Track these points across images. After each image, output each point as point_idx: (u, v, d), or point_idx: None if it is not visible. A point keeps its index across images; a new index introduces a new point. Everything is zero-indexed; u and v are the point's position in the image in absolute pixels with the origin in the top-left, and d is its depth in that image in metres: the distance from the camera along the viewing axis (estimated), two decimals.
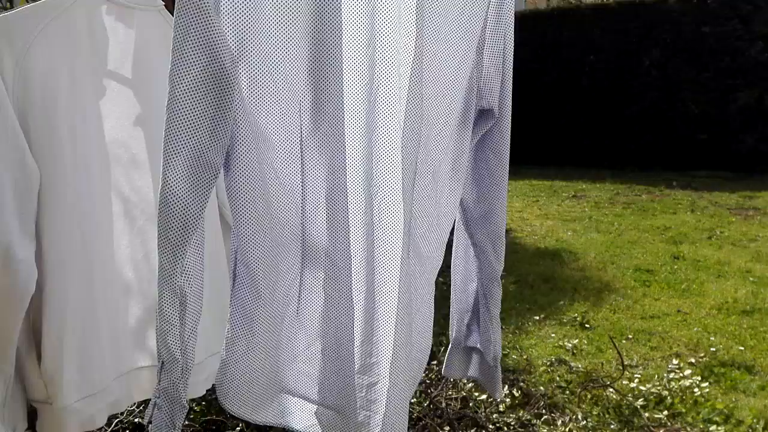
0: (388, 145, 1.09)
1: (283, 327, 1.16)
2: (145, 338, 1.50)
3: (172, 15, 1.49)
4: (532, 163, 9.45)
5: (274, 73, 0.99)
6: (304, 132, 1.05)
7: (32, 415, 1.33)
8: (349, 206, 1.09)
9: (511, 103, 1.24)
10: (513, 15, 1.20)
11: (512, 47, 1.22)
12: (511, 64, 1.23)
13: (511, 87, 1.23)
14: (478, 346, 1.41)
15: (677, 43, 8.64)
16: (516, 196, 7.44)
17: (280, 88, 1.00)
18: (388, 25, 1.04)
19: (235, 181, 1.02)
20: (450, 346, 1.44)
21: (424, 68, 1.06)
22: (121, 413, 2.30)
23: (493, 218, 1.30)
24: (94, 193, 1.35)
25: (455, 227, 1.34)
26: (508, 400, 2.52)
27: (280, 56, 0.98)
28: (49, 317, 1.26)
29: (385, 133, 1.08)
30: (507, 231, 5.26)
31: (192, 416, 2.36)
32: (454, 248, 1.38)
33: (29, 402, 1.31)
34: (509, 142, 1.25)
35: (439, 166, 1.18)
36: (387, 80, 1.06)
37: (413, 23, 1.03)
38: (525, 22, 9.96)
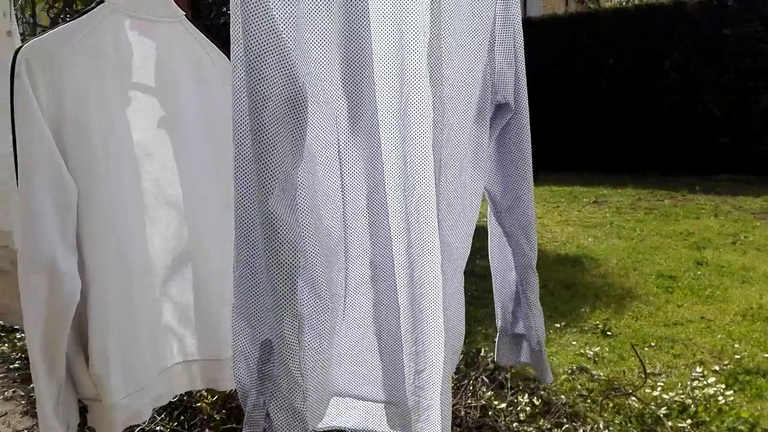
0: (421, 145, 1.12)
1: (334, 332, 1.17)
2: (180, 336, 1.58)
3: (191, 22, 1.54)
4: (552, 169, 9.39)
5: (315, 85, 1.00)
6: (341, 140, 1.06)
7: (83, 411, 1.42)
8: (389, 209, 1.11)
9: (527, 97, 1.27)
10: (520, 12, 1.24)
11: (522, 43, 1.25)
12: (523, 59, 1.26)
13: (525, 81, 1.27)
14: (525, 332, 1.44)
15: (697, 45, 8.55)
16: (536, 202, 7.32)
17: (320, 99, 1.01)
18: (415, 27, 1.07)
19: (299, 197, 1.00)
20: (498, 334, 1.48)
21: (443, 66, 1.09)
22: (142, 422, 2.33)
23: (521, 208, 1.34)
24: (126, 201, 1.42)
25: (488, 219, 1.40)
26: (528, 408, 2.50)
27: (318, 69, 0.99)
28: (93, 323, 1.34)
29: (417, 134, 1.12)
30: None
31: (213, 425, 2.37)
32: (489, 240, 1.45)
33: (80, 399, 1.40)
34: (530, 134, 1.29)
35: (462, 161, 1.21)
36: (416, 82, 1.09)
37: (428, 22, 1.06)
38: (543, 27, 9.93)
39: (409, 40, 1.08)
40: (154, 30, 1.45)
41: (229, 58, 1.55)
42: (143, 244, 1.48)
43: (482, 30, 1.18)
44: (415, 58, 1.09)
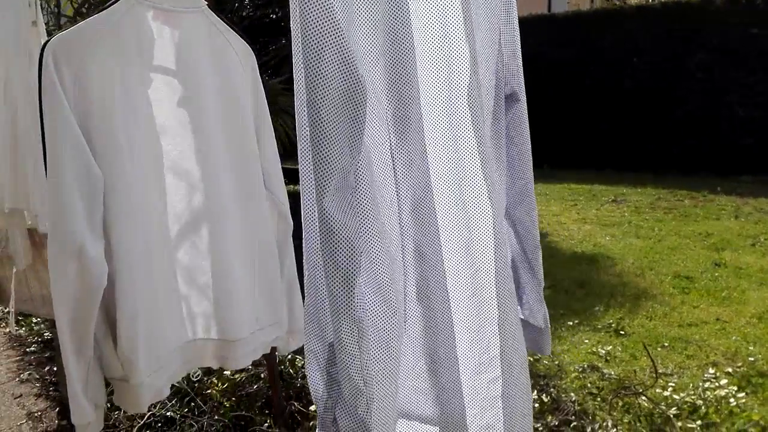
0: (470, 147, 1.12)
1: (401, 340, 1.11)
2: (195, 315, 1.63)
3: (213, 12, 1.58)
4: (572, 167, 9.33)
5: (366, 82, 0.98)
6: (392, 144, 1.05)
7: (108, 391, 1.49)
8: (439, 208, 1.09)
9: (524, 87, 1.31)
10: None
11: (518, 33, 1.28)
12: (520, 49, 1.29)
13: (522, 71, 1.30)
14: (526, 316, 1.45)
15: (724, 44, 8.41)
16: (554, 199, 7.36)
17: (373, 103, 0.99)
18: (452, 22, 1.08)
19: (359, 197, 0.95)
20: None
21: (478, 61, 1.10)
22: (154, 406, 2.37)
23: (529, 193, 1.38)
24: (149, 188, 1.47)
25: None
26: (537, 405, 2.50)
27: (368, 72, 0.97)
28: (121, 306, 1.39)
29: (465, 135, 1.12)
30: (543, 235, 5.25)
31: (222, 411, 2.41)
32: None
33: (107, 379, 1.46)
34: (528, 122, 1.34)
35: (494, 152, 1.24)
36: (461, 83, 1.10)
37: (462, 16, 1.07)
38: (567, 24, 9.84)
39: (453, 35, 1.08)
40: (177, 19, 1.49)
41: (251, 46, 1.58)
42: (165, 227, 1.53)
43: (495, 19, 1.20)
44: (458, 58, 1.09)
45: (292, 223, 1.81)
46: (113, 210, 1.36)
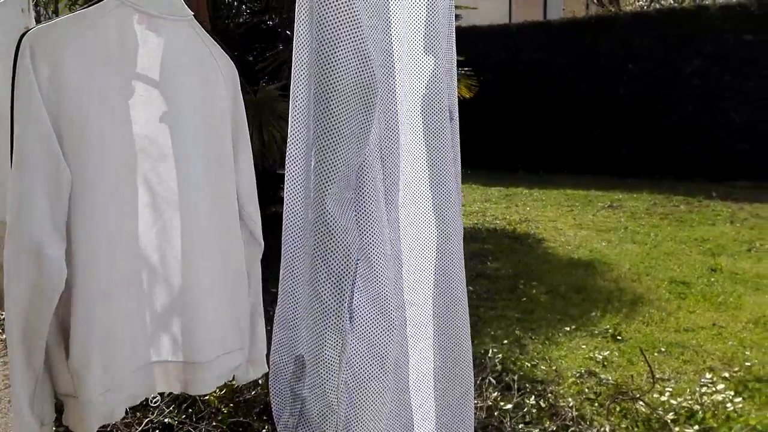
0: (443, 151, 1.16)
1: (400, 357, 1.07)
2: (159, 334, 1.54)
3: (200, 25, 1.56)
4: (568, 173, 9.35)
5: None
6: (383, 150, 1.03)
7: (58, 408, 1.38)
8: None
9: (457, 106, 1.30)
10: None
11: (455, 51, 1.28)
12: (455, 68, 1.29)
13: (456, 90, 1.29)
14: None
15: (719, 51, 8.46)
16: (550, 205, 7.37)
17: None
18: (418, 39, 1.11)
19: (363, 198, 0.91)
20: None
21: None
22: (152, 413, 2.36)
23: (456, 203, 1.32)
24: (120, 193, 1.40)
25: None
26: (534, 411, 2.50)
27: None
28: (77, 314, 1.31)
29: (439, 139, 1.15)
30: (539, 241, 5.24)
31: (220, 417, 2.40)
32: None
33: (56, 395, 1.36)
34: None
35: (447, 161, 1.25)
36: (419, 92, 1.13)
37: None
38: (563, 31, 9.88)
39: (415, 49, 1.10)
40: (161, 26, 1.46)
41: (231, 58, 1.56)
42: (133, 238, 1.45)
43: (450, 35, 1.22)
44: (419, 70, 1.11)
45: (262, 243, 1.73)
46: (78, 213, 1.29)
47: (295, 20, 0.91)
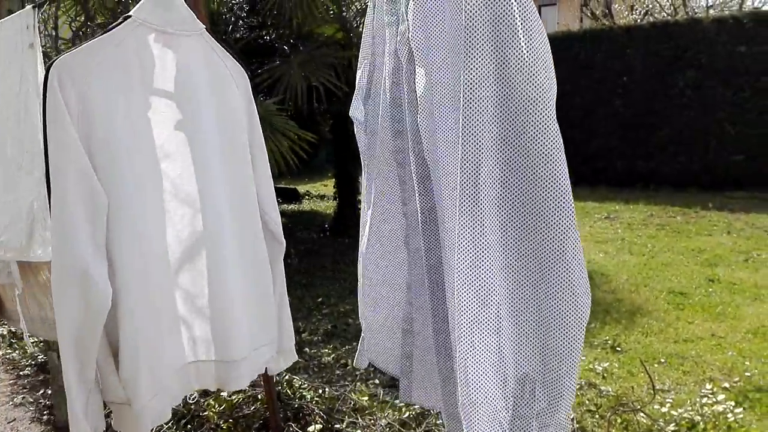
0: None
1: None
2: (194, 336, 1.62)
3: (212, 37, 1.60)
4: None
5: None
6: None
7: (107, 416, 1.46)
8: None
9: None
10: None
11: None
12: None
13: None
14: None
15: (712, 63, 8.52)
16: None
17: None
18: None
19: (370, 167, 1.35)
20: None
21: None
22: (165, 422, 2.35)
23: None
24: (150, 211, 1.47)
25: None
26: None
27: None
28: (124, 328, 1.39)
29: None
30: None
31: None
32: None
33: (106, 403, 1.44)
34: None
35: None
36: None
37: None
38: (557, 43, 9.94)
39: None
40: (177, 42, 1.51)
41: (245, 68, 1.62)
42: (164, 247, 1.53)
43: None
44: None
45: (284, 242, 1.81)
46: (116, 232, 1.36)
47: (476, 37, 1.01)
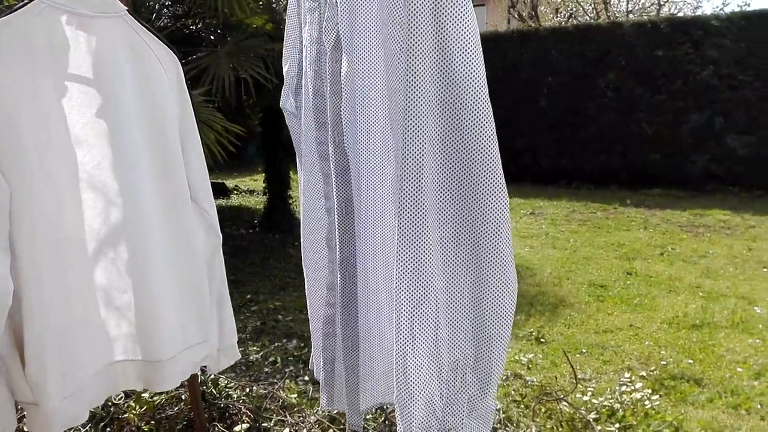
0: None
1: None
2: (117, 335, 1.55)
3: (135, 19, 1.52)
4: None
5: None
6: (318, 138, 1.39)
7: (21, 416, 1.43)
8: None
9: None
10: None
11: None
12: None
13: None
14: None
15: (632, 66, 8.89)
16: None
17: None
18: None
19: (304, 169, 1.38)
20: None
21: None
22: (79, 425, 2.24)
23: None
24: (62, 202, 1.38)
25: None
26: None
27: None
28: (29, 326, 1.31)
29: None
30: None
31: None
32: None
33: (17, 403, 1.37)
34: None
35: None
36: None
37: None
38: (486, 44, 10.00)
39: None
40: (93, 24, 1.43)
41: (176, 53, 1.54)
42: (81, 243, 1.44)
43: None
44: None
45: (221, 236, 1.75)
46: (20, 224, 1.27)
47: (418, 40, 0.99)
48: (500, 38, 10.10)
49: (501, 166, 1.03)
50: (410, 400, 1.04)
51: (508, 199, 1.04)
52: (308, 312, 1.55)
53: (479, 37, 0.99)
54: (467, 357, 1.06)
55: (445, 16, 0.96)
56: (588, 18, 14.34)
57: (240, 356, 1.87)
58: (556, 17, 14.97)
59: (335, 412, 2.42)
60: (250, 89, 5.03)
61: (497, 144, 1.03)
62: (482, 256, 1.05)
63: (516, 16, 15.42)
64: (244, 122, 5.96)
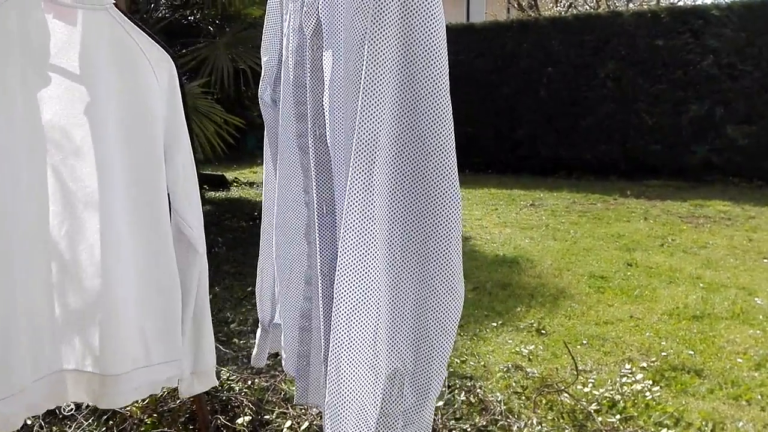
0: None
1: None
2: (70, 342, 1.45)
3: (122, 13, 1.47)
4: (492, 172, 9.58)
5: None
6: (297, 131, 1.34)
7: None
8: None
9: None
10: None
11: None
12: None
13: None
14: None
15: (632, 55, 8.86)
16: (475, 204, 7.51)
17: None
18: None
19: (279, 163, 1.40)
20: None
21: None
22: (69, 427, 2.23)
23: None
24: (23, 197, 1.32)
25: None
26: (465, 406, 2.52)
27: None
28: None
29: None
30: (466, 239, 5.33)
31: (143, 429, 2.30)
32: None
33: None
34: None
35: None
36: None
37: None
38: (485, 34, 10.09)
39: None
40: (75, 15, 1.38)
41: (167, 50, 1.50)
42: (39, 236, 1.37)
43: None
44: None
45: (203, 251, 1.61)
46: None
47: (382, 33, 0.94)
48: (500, 28, 10.06)
49: (456, 169, 0.98)
50: (341, 408, 0.99)
51: (461, 203, 0.99)
52: (280, 306, 1.48)
53: (445, 32, 0.95)
54: (406, 366, 1.00)
55: (413, 9, 0.93)
56: (588, 7, 14.28)
57: (216, 383, 1.73)
58: (556, 7, 14.91)
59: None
60: (249, 80, 5.02)
61: (454, 145, 0.99)
62: (430, 261, 0.98)
63: (515, 5, 15.36)
64: (244, 114, 5.95)
